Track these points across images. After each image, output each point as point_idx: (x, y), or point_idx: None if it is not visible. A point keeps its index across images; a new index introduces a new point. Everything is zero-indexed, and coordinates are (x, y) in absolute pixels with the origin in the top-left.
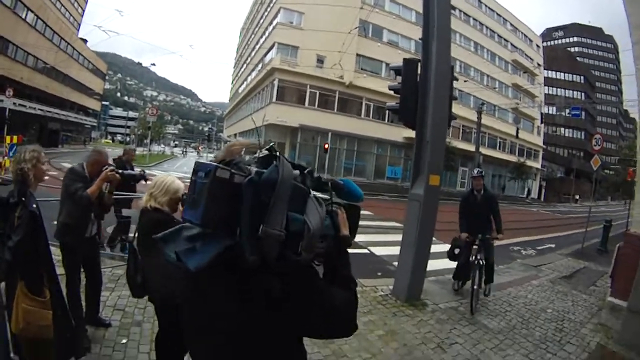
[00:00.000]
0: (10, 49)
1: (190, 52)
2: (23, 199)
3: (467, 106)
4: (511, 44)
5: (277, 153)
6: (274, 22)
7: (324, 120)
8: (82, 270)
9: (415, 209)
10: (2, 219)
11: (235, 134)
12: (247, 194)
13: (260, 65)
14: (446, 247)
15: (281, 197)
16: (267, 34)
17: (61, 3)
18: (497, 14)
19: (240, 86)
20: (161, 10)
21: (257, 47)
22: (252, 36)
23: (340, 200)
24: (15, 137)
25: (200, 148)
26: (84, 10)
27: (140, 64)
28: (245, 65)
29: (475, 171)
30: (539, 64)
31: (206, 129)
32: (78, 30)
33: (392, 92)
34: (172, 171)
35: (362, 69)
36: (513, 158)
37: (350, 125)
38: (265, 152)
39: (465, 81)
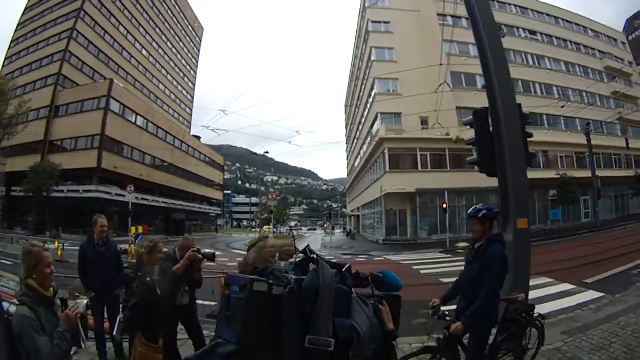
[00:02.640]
0: (125, 150)
1: (301, 136)
2: (139, 274)
3: (574, 131)
4: (598, 51)
5: (315, 255)
6: (372, 94)
7: (439, 180)
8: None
9: (508, 256)
10: (125, 289)
11: (357, 207)
12: (289, 305)
13: (369, 138)
14: (565, 287)
15: (325, 303)
16: (368, 106)
17: (168, 106)
18: (575, 24)
19: (355, 160)
20: (268, 102)
21: (363, 120)
22: (356, 110)
23: (379, 292)
24: (140, 227)
25: (326, 226)
26: (191, 110)
27: (255, 153)
28: (355, 140)
29: (471, 210)
30: (629, 62)
31: (334, 205)
32: (189, 128)
33: None
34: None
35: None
36: (631, 172)
37: (467, 179)
38: (300, 255)
39: (562, 107)
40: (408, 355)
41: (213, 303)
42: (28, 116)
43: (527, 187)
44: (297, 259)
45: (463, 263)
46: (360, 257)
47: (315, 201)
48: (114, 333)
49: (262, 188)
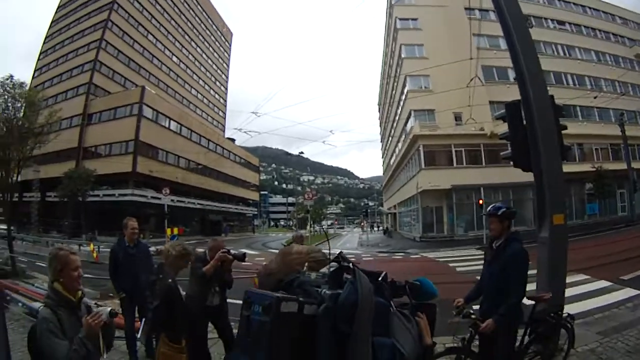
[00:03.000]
0: (160, 154)
1: (335, 135)
2: (161, 275)
3: (608, 122)
4: (628, 39)
5: (350, 264)
6: (405, 91)
7: (475, 176)
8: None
9: (544, 254)
10: (150, 291)
11: (394, 205)
12: (324, 327)
13: (403, 136)
14: (601, 284)
15: (365, 321)
16: (401, 104)
17: (202, 110)
18: (603, 12)
19: (390, 158)
20: (301, 102)
21: (397, 118)
22: (390, 108)
23: (415, 302)
24: (176, 229)
25: (363, 224)
26: (225, 114)
27: (290, 154)
28: (390, 138)
29: (490, 208)
30: None
31: (370, 204)
32: (224, 131)
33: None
34: (335, 249)
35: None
36: None
37: (502, 175)
38: (334, 264)
39: (595, 97)
40: (433, 356)
41: None
42: (61, 125)
43: (562, 182)
44: (331, 269)
45: None
46: (397, 255)
47: (352, 200)
48: (139, 334)
49: (299, 188)
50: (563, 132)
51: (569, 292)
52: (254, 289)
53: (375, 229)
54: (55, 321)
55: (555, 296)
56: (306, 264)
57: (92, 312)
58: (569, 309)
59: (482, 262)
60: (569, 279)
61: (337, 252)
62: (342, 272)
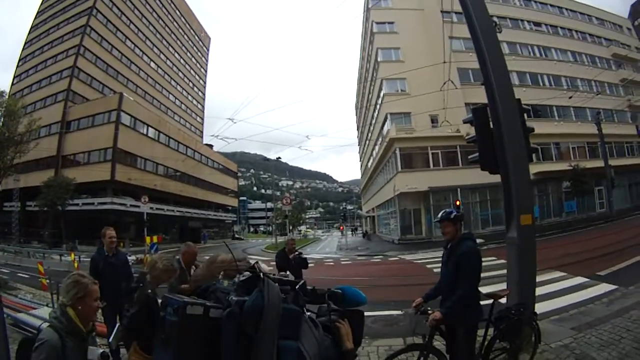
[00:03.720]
0: (138, 162)
1: (313, 140)
2: (141, 284)
3: (585, 121)
4: (604, 39)
5: (261, 273)
6: (381, 95)
7: (452, 178)
8: None
9: (512, 254)
10: (128, 298)
11: (373, 208)
12: (227, 329)
13: (380, 139)
14: (577, 280)
15: (270, 326)
16: (378, 107)
17: (180, 116)
18: (580, 13)
19: (368, 162)
20: (278, 107)
21: (373, 121)
22: (367, 112)
23: (339, 308)
24: (155, 237)
25: (342, 228)
26: (203, 120)
27: (268, 159)
28: (367, 141)
29: (442, 213)
30: (637, 48)
31: (349, 207)
32: (202, 137)
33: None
34: (315, 254)
35: None
36: None
37: (479, 176)
38: (247, 274)
39: (570, 97)
40: (393, 354)
41: None
42: (40, 132)
43: (529, 183)
44: (242, 277)
45: None
46: (376, 258)
47: (331, 204)
48: (110, 340)
49: (278, 193)
50: (540, 131)
51: (544, 289)
52: (170, 294)
53: (355, 232)
54: (59, 349)
55: (525, 295)
56: (222, 272)
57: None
58: (545, 306)
59: None
60: (545, 277)
61: (254, 262)
62: (254, 280)
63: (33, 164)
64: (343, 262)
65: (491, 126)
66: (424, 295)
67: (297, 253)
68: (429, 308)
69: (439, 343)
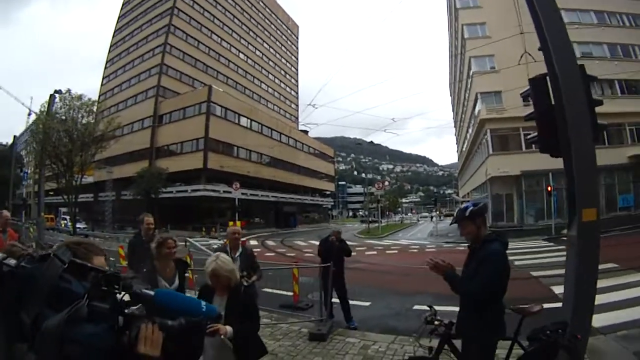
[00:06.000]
0: (231, 150)
1: (411, 123)
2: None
3: None
4: None
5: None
6: (470, 74)
7: (546, 161)
8: None
9: (571, 256)
10: None
11: (468, 193)
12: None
13: (472, 120)
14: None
15: (36, 291)
16: (468, 86)
17: (273, 104)
18: None
19: (463, 144)
20: (372, 85)
21: (465, 101)
22: (459, 91)
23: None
24: (238, 223)
25: (434, 214)
26: (297, 106)
27: (360, 143)
28: (461, 123)
29: (457, 211)
30: None
31: (448, 191)
32: (297, 123)
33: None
34: (404, 239)
35: None
36: None
37: None
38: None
39: None
40: None
41: (289, 293)
42: (133, 127)
43: (594, 168)
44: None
45: (564, 253)
46: (462, 246)
47: (432, 188)
48: None
49: (378, 177)
50: (633, 109)
51: (617, 295)
52: None
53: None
54: None
55: (578, 309)
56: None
57: None
58: (613, 317)
59: (544, 255)
60: (621, 280)
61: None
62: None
63: (127, 156)
64: (428, 249)
65: (552, 100)
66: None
67: (338, 241)
68: (438, 317)
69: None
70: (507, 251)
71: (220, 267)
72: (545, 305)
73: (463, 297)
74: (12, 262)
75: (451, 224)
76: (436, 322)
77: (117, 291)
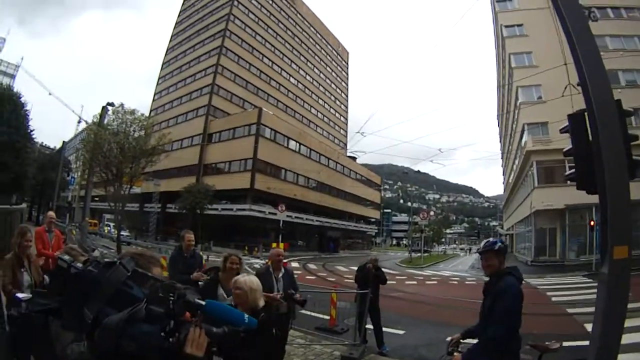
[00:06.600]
0: (278, 172)
1: (458, 153)
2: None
3: None
4: None
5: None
6: (518, 104)
7: (589, 195)
8: None
9: (601, 294)
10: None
11: (512, 225)
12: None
13: (518, 151)
14: None
15: (101, 293)
16: (515, 117)
17: (322, 129)
18: None
19: (509, 176)
20: (422, 114)
21: (512, 132)
22: (506, 122)
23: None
24: (282, 244)
25: (467, 247)
26: (346, 132)
27: (407, 172)
28: (508, 154)
29: (483, 243)
30: None
31: (492, 223)
32: (345, 149)
33: None
34: (445, 270)
35: None
36: None
37: None
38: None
39: None
40: None
41: (326, 317)
42: (182, 143)
43: (628, 204)
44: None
45: None
46: None
47: (476, 219)
48: None
49: (424, 207)
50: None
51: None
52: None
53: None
54: None
55: (609, 344)
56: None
57: None
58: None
59: (583, 291)
60: (631, 323)
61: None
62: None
63: (175, 170)
64: (468, 282)
65: (589, 136)
66: (464, 331)
67: (374, 269)
68: (460, 349)
69: None
70: (547, 287)
71: (244, 282)
72: (577, 343)
73: (487, 343)
74: (79, 265)
75: (477, 251)
76: (455, 354)
77: (171, 298)
